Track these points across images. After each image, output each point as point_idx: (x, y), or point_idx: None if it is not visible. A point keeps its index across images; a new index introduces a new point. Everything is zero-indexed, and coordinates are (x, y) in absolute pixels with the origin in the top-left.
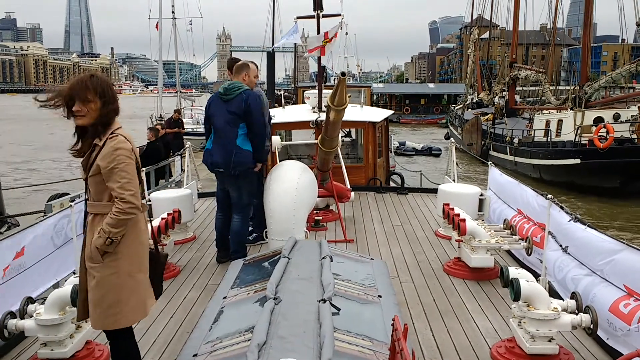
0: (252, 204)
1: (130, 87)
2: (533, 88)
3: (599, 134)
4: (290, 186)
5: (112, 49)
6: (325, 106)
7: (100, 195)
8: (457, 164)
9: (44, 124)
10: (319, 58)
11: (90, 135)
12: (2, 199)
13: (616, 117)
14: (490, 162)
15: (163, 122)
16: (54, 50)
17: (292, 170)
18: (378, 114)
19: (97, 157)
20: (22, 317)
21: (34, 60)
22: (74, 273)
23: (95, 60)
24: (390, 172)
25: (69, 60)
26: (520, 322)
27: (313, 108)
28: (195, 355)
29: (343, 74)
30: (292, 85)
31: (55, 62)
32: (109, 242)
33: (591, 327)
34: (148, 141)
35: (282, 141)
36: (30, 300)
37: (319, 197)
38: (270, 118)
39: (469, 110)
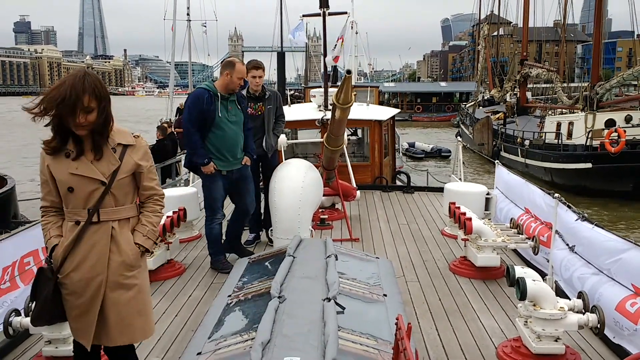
0: (211, 205)
1: (143, 88)
2: (546, 85)
3: (610, 138)
4: (295, 185)
5: (125, 50)
6: (331, 104)
7: (125, 198)
8: (464, 163)
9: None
10: (324, 54)
11: (93, 142)
12: (16, 201)
13: (628, 119)
14: (497, 161)
15: (171, 120)
16: (68, 52)
17: (297, 168)
18: (384, 113)
19: (125, 158)
20: (27, 315)
21: (48, 62)
22: None
23: (109, 62)
24: (397, 171)
25: (83, 62)
26: (526, 322)
27: (319, 106)
28: (199, 353)
29: (349, 71)
30: (303, 85)
31: (69, 64)
32: (158, 240)
33: (598, 326)
34: (157, 139)
35: (287, 140)
36: None
37: (324, 195)
38: (280, 115)
39: (480, 107)
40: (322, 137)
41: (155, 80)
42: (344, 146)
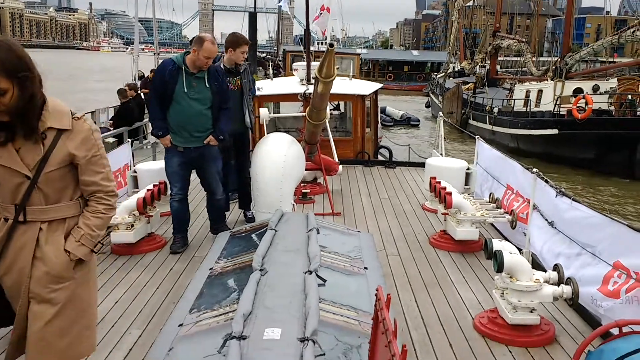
0: (168, 180)
1: (109, 44)
2: (515, 58)
3: (578, 105)
4: (277, 159)
5: (90, 4)
6: (313, 78)
7: (60, 194)
8: (446, 139)
9: None
10: (307, 26)
11: (19, 127)
12: None
13: (595, 89)
14: (477, 137)
15: (138, 82)
16: (30, 3)
17: (279, 142)
18: (367, 87)
19: (57, 146)
20: None
21: (10, 13)
22: None
23: (73, 15)
24: (379, 145)
25: (46, 14)
26: (502, 293)
27: (301, 80)
28: (180, 325)
29: (331, 44)
30: (275, 48)
31: (32, 16)
32: (98, 248)
33: (572, 298)
34: (121, 102)
35: (270, 114)
36: None
37: (306, 170)
38: (251, 89)
39: (451, 79)
40: (304, 111)
41: (122, 36)
42: (327, 120)
